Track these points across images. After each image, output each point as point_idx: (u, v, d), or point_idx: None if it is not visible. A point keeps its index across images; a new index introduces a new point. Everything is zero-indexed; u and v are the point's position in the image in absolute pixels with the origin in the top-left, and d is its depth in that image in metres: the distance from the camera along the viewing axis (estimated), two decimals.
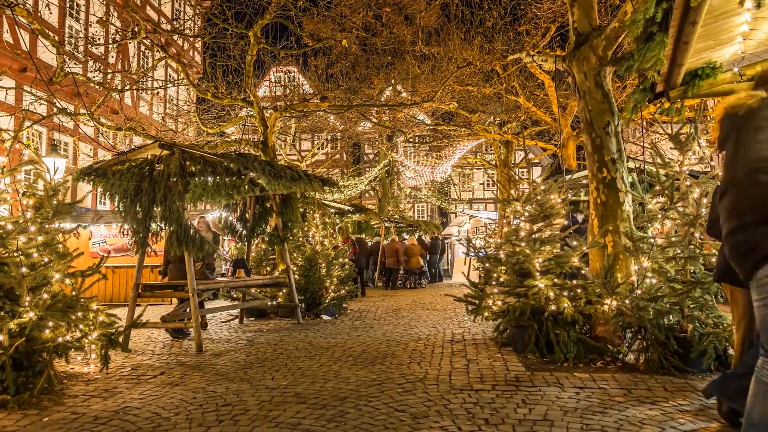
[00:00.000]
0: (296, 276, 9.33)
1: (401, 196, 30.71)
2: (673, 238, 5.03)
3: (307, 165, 20.76)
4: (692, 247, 4.93)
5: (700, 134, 5.29)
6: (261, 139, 10.65)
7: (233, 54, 12.32)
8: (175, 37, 17.68)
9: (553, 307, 5.43)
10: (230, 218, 9.19)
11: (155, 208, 6.62)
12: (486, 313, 6.29)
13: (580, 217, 9.51)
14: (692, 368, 4.67)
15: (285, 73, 23.75)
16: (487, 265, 6.66)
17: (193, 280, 6.61)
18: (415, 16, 13.19)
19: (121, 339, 5.28)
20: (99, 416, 3.80)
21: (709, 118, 13.34)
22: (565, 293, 5.55)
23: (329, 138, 24.96)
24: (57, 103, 10.19)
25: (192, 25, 18.31)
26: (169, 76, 22.10)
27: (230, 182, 7.06)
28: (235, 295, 9.12)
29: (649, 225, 5.91)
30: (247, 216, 9.20)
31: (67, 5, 16.67)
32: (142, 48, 20.02)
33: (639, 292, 5.06)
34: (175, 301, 9.81)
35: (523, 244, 5.97)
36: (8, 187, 4.87)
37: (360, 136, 26.13)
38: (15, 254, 4.50)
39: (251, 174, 6.87)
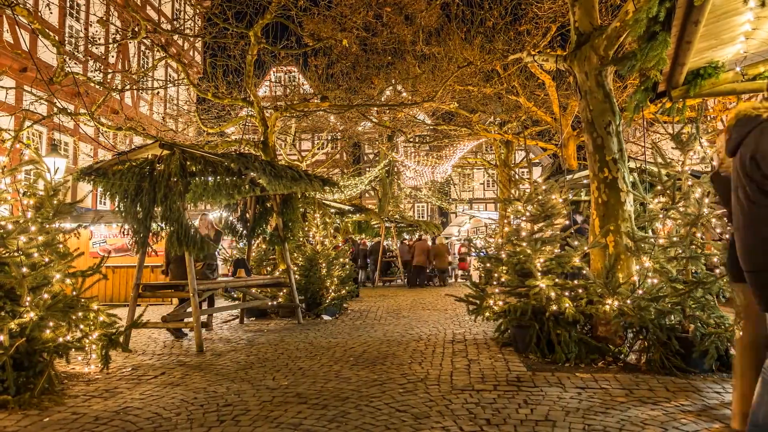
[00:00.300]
0: (297, 276, 9.32)
1: (401, 196, 30.72)
2: (675, 238, 5.02)
3: (307, 165, 20.76)
4: (694, 246, 4.92)
5: (702, 134, 5.28)
6: (261, 139, 10.64)
7: (233, 54, 12.32)
8: (176, 36, 17.69)
9: (555, 307, 5.42)
10: (231, 218, 9.18)
11: (156, 208, 6.61)
12: (487, 313, 6.27)
13: (579, 218, 9.50)
14: (694, 368, 4.66)
15: (285, 73, 23.75)
16: (488, 265, 6.65)
17: (193, 280, 6.60)
18: (416, 15, 13.18)
19: (121, 339, 5.27)
20: (100, 416, 3.79)
21: (709, 118, 13.34)
22: (567, 293, 5.54)
23: (329, 138, 24.95)
24: (57, 103, 10.18)
25: (192, 24, 18.30)
26: (170, 75, 22.09)
27: (231, 182, 7.06)
28: (235, 295, 9.11)
29: (651, 225, 5.90)
30: (247, 216, 9.19)
31: (68, 5, 16.66)
32: (143, 48, 20.03)
33: (640, 292, 5.05)
34: (176, 301, 9.81)
35: (524, 244, 5.96)
36: (9, 186, 4.86)
37: (360, 136, 26.12)
38: (15, 254, 4.49)
39: (252, 174, 6.86)
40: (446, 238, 23.37)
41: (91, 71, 14.45)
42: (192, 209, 11.85)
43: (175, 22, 21.84)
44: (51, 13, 15.17)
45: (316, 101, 12.48)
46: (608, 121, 5.84)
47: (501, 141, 17.21)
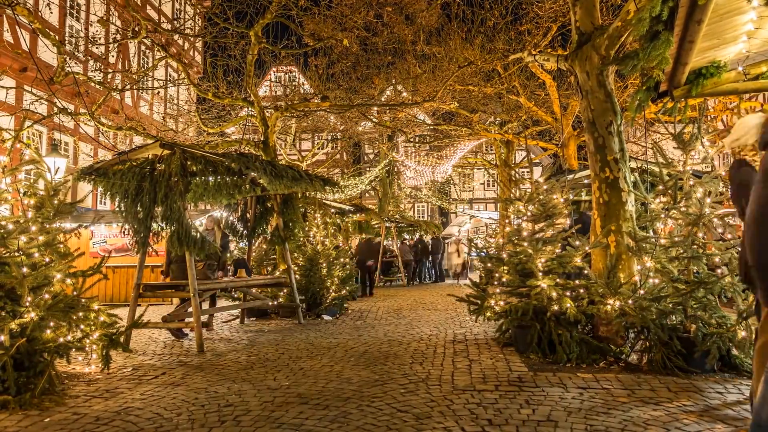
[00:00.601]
0: (297, 276, 9.31)
1: (402, 196, 30.69)
2: (676, 238, 5.01)
3: (307, 165, 20.75)
4: (695, 246, 4.91)
5: (703, 134, 5.27)
6: (262, 138, 10.64)
7: (234, 53, 12.29)
8: (176, 36, 17.69)
9: (556, 307, 5.41)
10: (231, 218, 9.18)
11: (156, 208, 6.60)
12: (488, 313, 6.26)
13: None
14: (696, 368, 4.65)
15: (286, 73, 23.73)
16: (489, 265, 6.64)
17: (194, 280, 6.59)
18: (416, 15, 13.16)
19: (122, 339, 5.27)
20: (100, 417, 3.78)
21: (710, 118, 13.34)
22: (568, 293, 5.53)
23: (330, 138, 24.93)
24: (57, 103, 10.17)
25: (192, 24, 18.28)
26: (170, 75, 22.07)
27: (231, 182, 7.05)
28: (236, 295, 9.10)
29: (652, 225, 5.89)
30: (248, 216, 9.18)
31: (68, 5, 16.65)
32: (143, 48, 20.01)
33: (642, 292, 5.04)
34: (176, 301, 9.80)
35: (525, 243, 5.95)
36: (9, 186, 4.85)
37: (360, 136, 26.08)
38: (16, 254, 4.48)
39: (252, 174, 6.85)
40: (446, 238, 23.37)
41: (92, 71, 14.42)
42: (192, 209, 11.85)
43: (175, 22, 21.83)
44: (51, 12, 15.16)
45: (316, 101, 12.48)
46: (609, 121, 5.83)
47: (501, 141, 17.18)
